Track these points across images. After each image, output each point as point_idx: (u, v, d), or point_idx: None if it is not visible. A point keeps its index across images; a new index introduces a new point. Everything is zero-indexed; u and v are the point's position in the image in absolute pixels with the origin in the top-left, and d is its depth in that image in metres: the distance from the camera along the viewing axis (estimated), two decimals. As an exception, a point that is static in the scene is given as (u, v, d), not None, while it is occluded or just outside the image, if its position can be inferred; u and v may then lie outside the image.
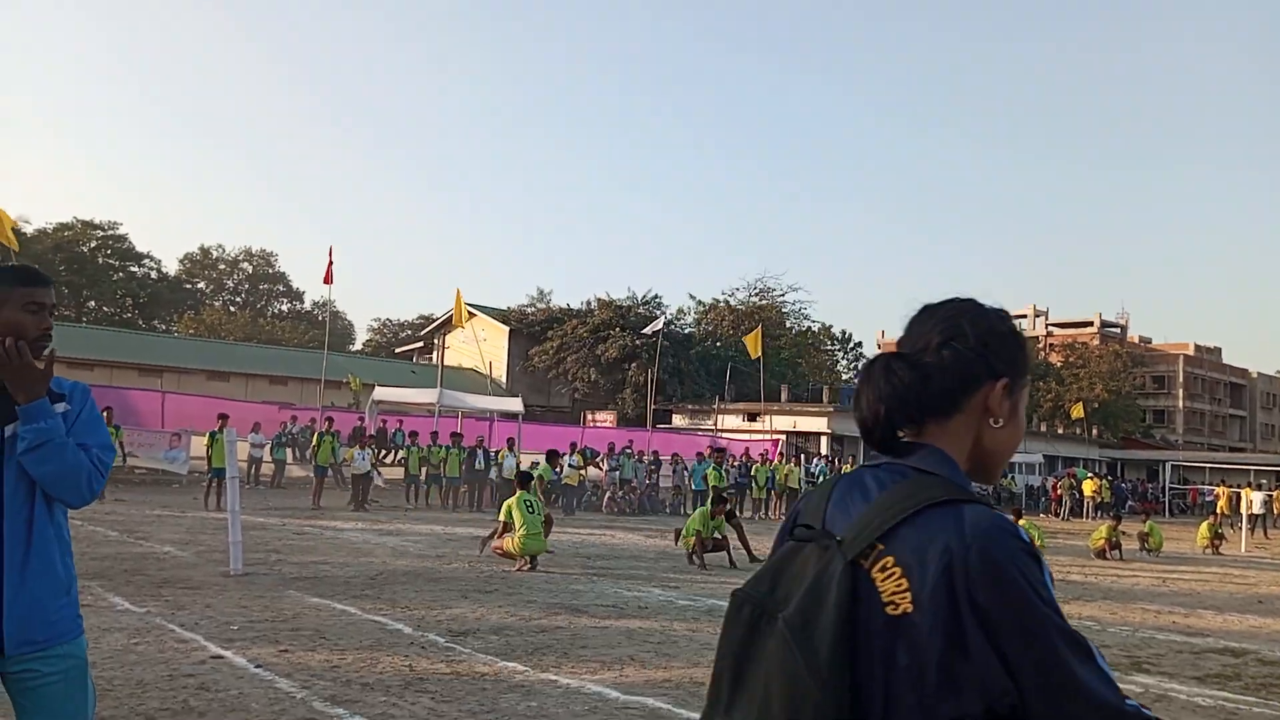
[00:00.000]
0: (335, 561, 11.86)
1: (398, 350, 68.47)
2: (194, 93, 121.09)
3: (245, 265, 80.00)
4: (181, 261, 77.68)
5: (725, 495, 15.89)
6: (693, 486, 25.56)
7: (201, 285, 78.62)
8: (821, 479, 29.49)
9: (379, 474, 21.12)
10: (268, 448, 24.53)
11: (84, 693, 2.56)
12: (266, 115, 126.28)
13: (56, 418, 2.49)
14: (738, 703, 1.31)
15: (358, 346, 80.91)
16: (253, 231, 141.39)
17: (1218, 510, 31.91)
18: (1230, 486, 38.06)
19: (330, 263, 26.50)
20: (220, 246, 79.41)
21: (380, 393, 26.43)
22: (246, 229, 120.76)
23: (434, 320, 59.34)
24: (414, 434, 23.43)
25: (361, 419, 26.09)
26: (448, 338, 46.81)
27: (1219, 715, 6.28)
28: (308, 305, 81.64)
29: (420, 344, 62.46)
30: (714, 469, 24.76)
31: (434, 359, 51.65)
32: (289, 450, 25.09)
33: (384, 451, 25.96)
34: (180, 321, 68.85)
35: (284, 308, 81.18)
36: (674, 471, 26.57)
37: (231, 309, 74.45)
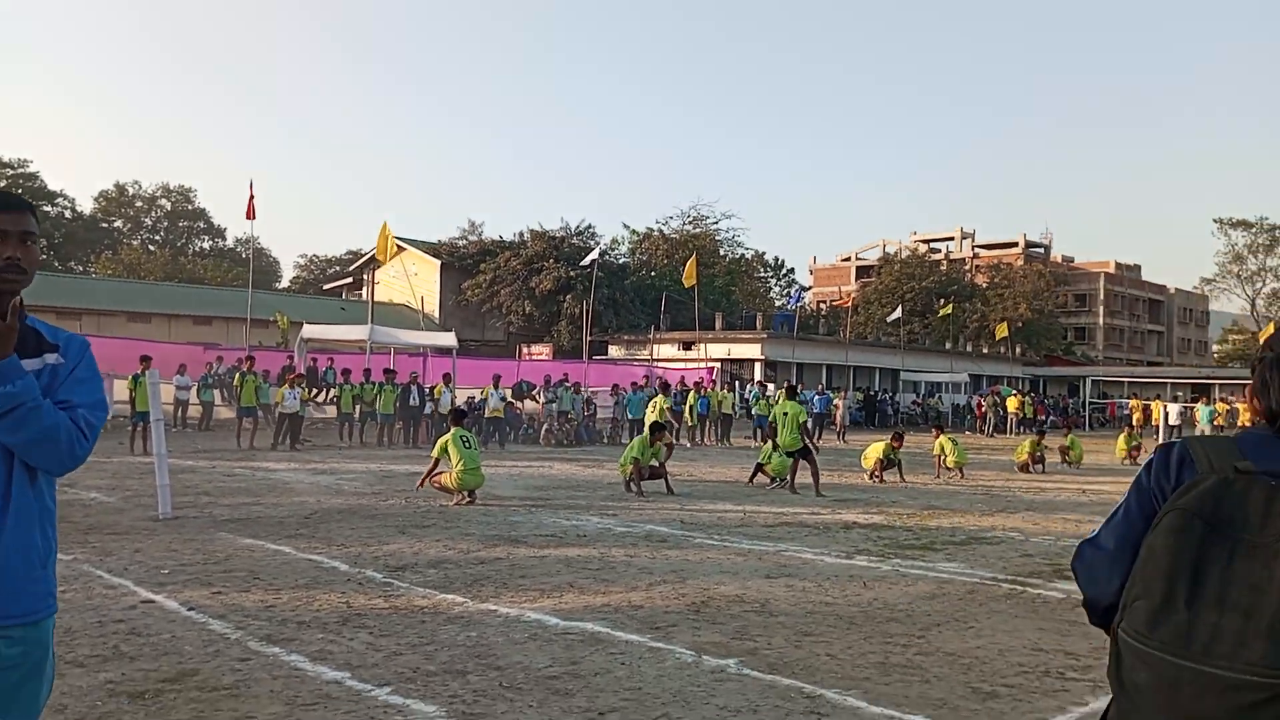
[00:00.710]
0: (268, 502, 11.70)
1: (326, 287, 67.14)
2: (99, 22, 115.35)
3: (163, 202, 77.34)
4: (96, 200, 74.87)
5: (665, 424, 15.95)
6: (628, 416, 25.68)
7: (118, 224, 75.92)
8: (756, 404, 29.86)
9: (309, 412, 20.74)
10: (194, 389, 24.00)
11: (39, 684, 2.24)
12: (179, 43, 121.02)
13: (27, 377, 2.14)
14: (1200, 605, 1.52)
15: (284, 284, 79.21)
16: (170, 167, 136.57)
17: (1134, 423, 33.22)
18: (1144, 400, 39.53)
19: (251, 197, 25.64)
20: (137, 183, 76.60)
21: (309, 330, 25.88)
22: (164, 164, 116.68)
23: (363, 255, 58.21)
24: (346, 372, 23.10)
25: (290, 358, 25.58)
26: (378, 273, 45.94)
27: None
28: (230, 242, 79.54)
29: (349, 280, 61.32)
30: (663, 397, 24.88)
31: (364, 295, 50.77)
32: (216, 392, 24.58)
33: (315, 391, 25.55)
34: (98, 262, 66.54)
35: (205, 245, 78.95)
36: (615, 403, 26.60)
37: (151, 248, 72.12)
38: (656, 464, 13.79)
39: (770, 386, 33.59)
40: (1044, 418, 41.01)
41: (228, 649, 5.30)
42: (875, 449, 16.73)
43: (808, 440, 14.25)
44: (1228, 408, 38.30)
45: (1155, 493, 1.72)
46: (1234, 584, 1.51)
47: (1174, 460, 1.73)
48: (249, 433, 20.11)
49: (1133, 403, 38.09)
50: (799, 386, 18.09)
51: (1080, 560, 1.80)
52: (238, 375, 20.83)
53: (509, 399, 24.68)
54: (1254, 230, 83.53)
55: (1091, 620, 1.80)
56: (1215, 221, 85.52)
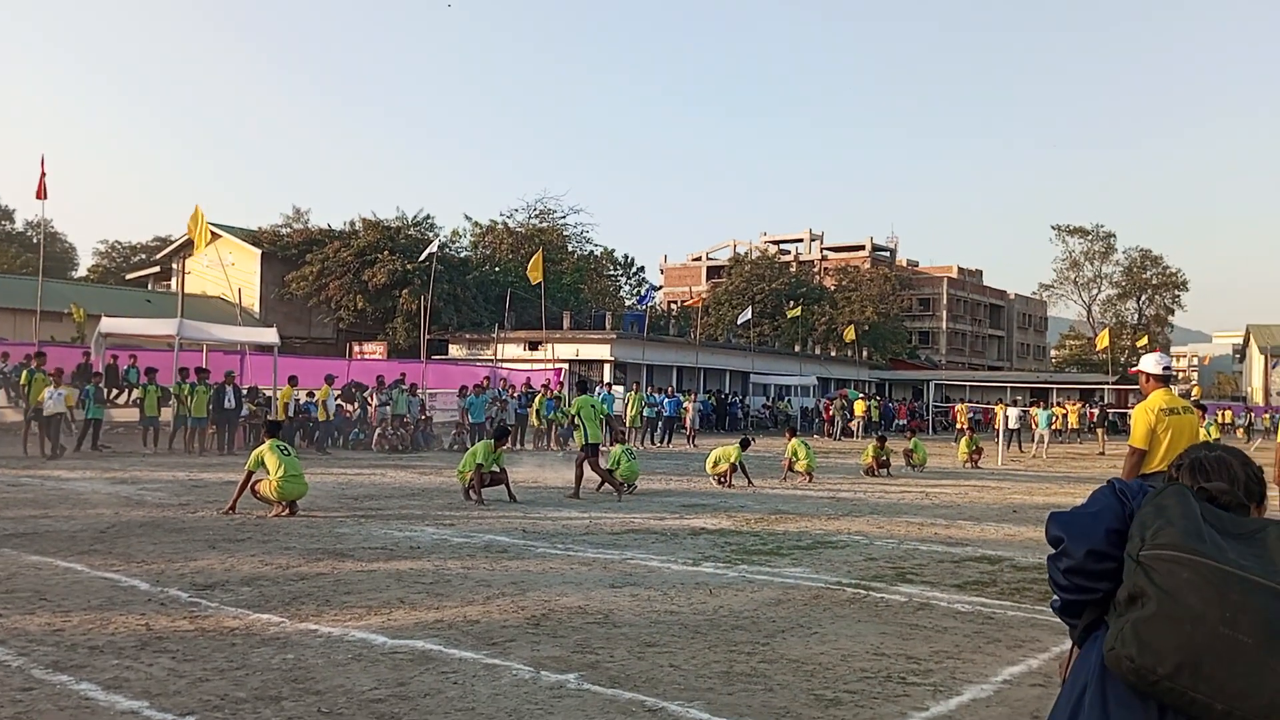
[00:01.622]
0: (58, 515, 10.99)
1: (129, 277, 63.61)
2: None
3: (-63, 178, 71.63)
4: None
5: (509, 428, 15.84)
6: (470, 419, 25.40)
7: (-117, 202, 69.78)
8: (604, 406, 29.99)
9: (73, 416, 19.43)
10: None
11: None
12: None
13: None
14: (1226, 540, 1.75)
15: (82, 273, 74.59)
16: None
17: (959, 426, 35.34)
18: (968, 404, 42.06)
19: (43, 174, 24.02)
20: (-96, 156, 70.61)
21: (108, 324, 24.42)
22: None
23: (172, 242, 55.45)
24: (151, 370, 21.92)
25: (86, 354, 24.11)
26: (189, 262, 43.79)
27: (977, 620, 6.90)
28: (19, 225, 74.38)
29: (157, 269, 58.27)
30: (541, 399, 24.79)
31: (173, 286, 48.33)
32: (1, 391, 22.93)
33: (115, 391, 24.16)
34: None
35: (-11, 229, 73.52)
36: (464, 406, 26.14)
37: (-78, 229, 66.66)
38: (499, 469, 13.66)
39: (619, 389, 33.83)
40: (904, 420, 42.84)
41: (7, 678, 4.94)
42: (724, 452, 17.08)
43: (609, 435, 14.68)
44: (1063, 411, 40.97)
45: (1123, 492, 1.95)
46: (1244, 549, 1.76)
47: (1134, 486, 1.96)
48: (37, 438, 18.85)
49: (958, 407, 40.53)
50: (588, 381, 18.75)
51: (1057, 521, 1.97)
52: (25, 373, 19.45)
53: (339, 401, 24.01)
54: (1090, 237, 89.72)
55: (1059, 573, 1.93)
56: (1053, 228, 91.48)
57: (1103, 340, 55.13)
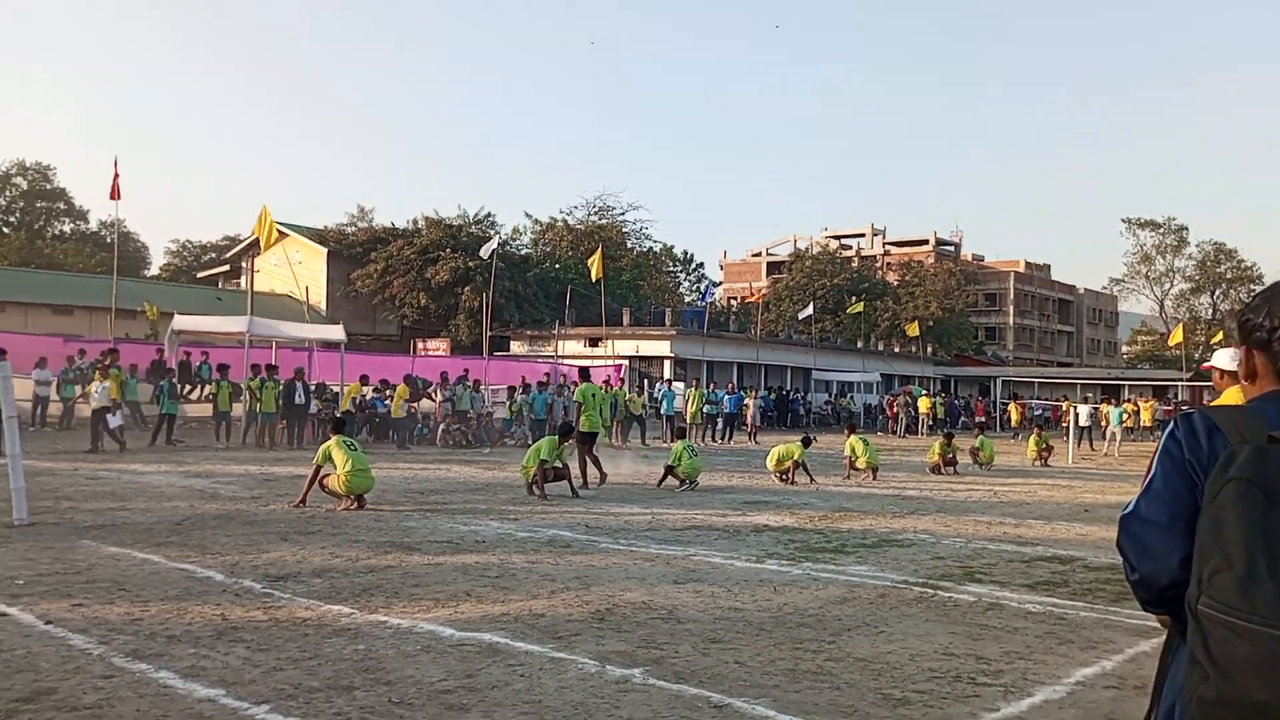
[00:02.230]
0: (135, 507, 11.30)
1: (200, 275, 65.18)
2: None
3: (18, 181, 73.76)
4: (-59, 177, 71.09)
5: (572, 425, 15.95)
6: (533, 416, 25.55)
7: (-35, 203, 72.23)
8: (665, 402, 30.00)
9: (115, 413, 19.57)
10: (54, 385, 23.01)
11: None
12: (32, 12, 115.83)
13: None
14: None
15: (154, 271, 76.54)
16: (24, 142, 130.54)
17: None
18: (1036, 401, 41.30)
19: (116, 175, 24.70)
20: (-13, 159, 72.95)
21: (181, 322, 25.07)
22: (17, 140, 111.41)
23: (241, 241, 56.61)
24: (223, 367, 22.43)
25: (160, 351, 24.74)
26: (258, 261, 44.70)
27: (1049, 620, 6.78)
28: (93, 226, 76.47)
29: (226, 268, 59.60)
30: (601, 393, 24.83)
31: (243, 284, 49.34)
32: (77, 387, 23.61)
33: (188, 387, 24.78)
34: (-57, 245, 63.27)
35: (66, 228, 75.71)
36: (527, 402, 26.28)
37: (4, 230, 68.83)
38: (561, 465, 13.74)
39: (680, 385, 33.81)
40: (981, 418, 42.07)
41: (89, 665, 5.09)
42: (786, 450, 16.99)
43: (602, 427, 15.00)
44: (1135, 408, 40.03)
45: (1192, 464, 1.74)
46: None
47: (1200, 429, 1.75)
48: (117, 431, 19.37)
49: (1065, 404, 39.65)
50: (588, 369, 19.11)
51: (1127, 535, 1.80)
52: (100, 371, 19.98)
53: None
54: (1162, 230, 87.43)
55: (1143, 599, 1.78)
56: (1124, 221, 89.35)
57: (1176, 336, 53.75)
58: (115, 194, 24.87)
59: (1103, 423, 32.09)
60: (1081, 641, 6.17)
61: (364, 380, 23.83)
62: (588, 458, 15.08)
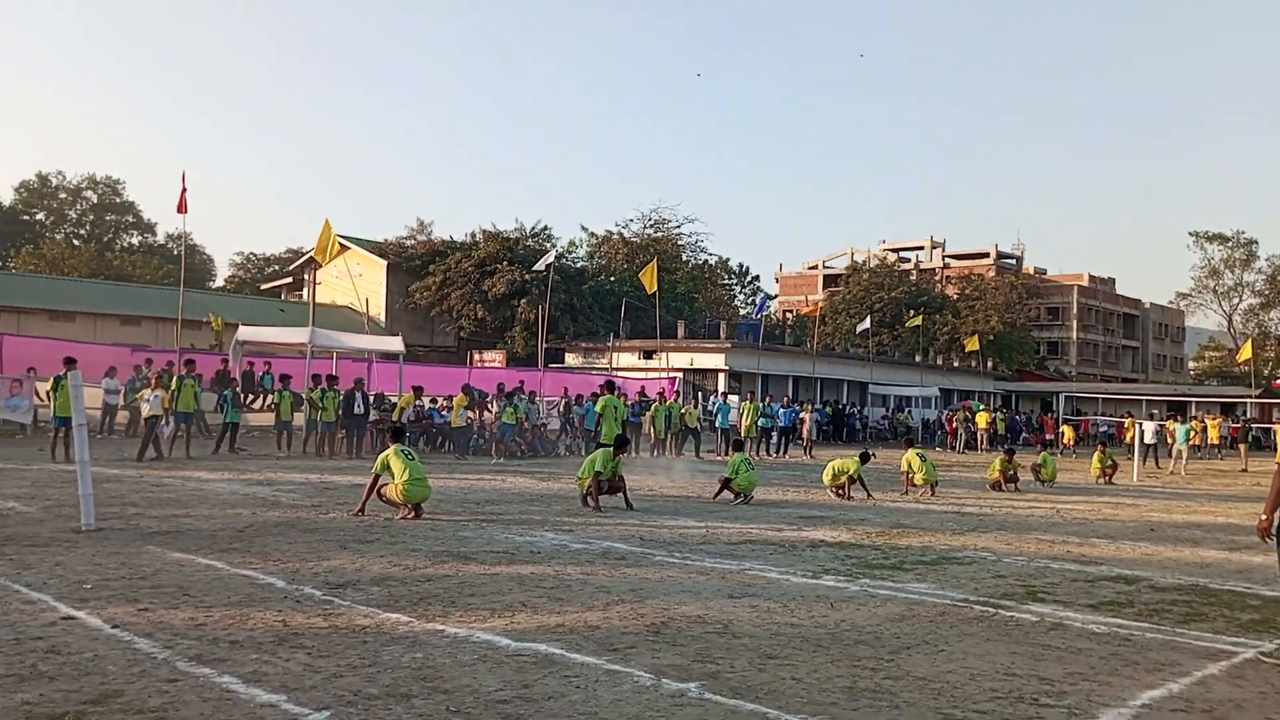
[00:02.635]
0: (199, 514, 11.52)
1: (264, 287, 66.43)
2: (21, 2, 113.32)
3: (89, 194, 76.07)
4: (17, 191, 73.66)
5: (628, 438, 15.97)
6: (586, 426, 25.62)
7: (40, 216, 74.62)
8: (720, 415, 29.94)
9: (168, 422, 19.75)
10: (123, 393, 23.57)
11: None
12: (106, 22, 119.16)
13: None
14: None
15: (219, 283, 78.23)
16: (96, 157, 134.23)
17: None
18: (1119, 418, 40.31)
19: (184, 189, 25.28)
20: (60, 174, 75.49)
21: (245, 332, 25.60)
22: (89, 154, 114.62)
23: (303, 254, 57.61)
24: (285, 377, 22.83)
25: (225, 361, 25.25)
26: (319, 273, 45.45)
27: (1113, 641, 6.63)
28: (160, 238, 78.50)
29: (289, 280, 60.69)
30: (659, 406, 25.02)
31: (304, 296, 50.21)
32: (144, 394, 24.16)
33: (251, 396, 25.26)
34: (18, 257, 65.31)
35: (134, 241, 77.81)
36: (580, 413, 26.41)
37: (75, 242, 70.86)
38: (616, 477, 13.77)
39: (734, 398, 33.70)
40: (1050, 436, 41.10)
41: (154, 669, 5.20)
42: (842, 465, 16.84)
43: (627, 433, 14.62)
44: (1202, 426, 39.08)
45: None
46: None
47: None
48: (182, 440, 19.79)
49: (1128, 421, 38.75)
50: (615, 381, 18.93)
51: None
52: (175, 379, 20.42)
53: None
54: (1230, 244, 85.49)
55: None
56: (1191, 235, 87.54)
57: (1245, 352, 52.38)
58: (183, 207, 25.44)
59: (1169, 440, 31.37)
60: (1147, 664, 6.03)
61: (418, 392, 24.05)
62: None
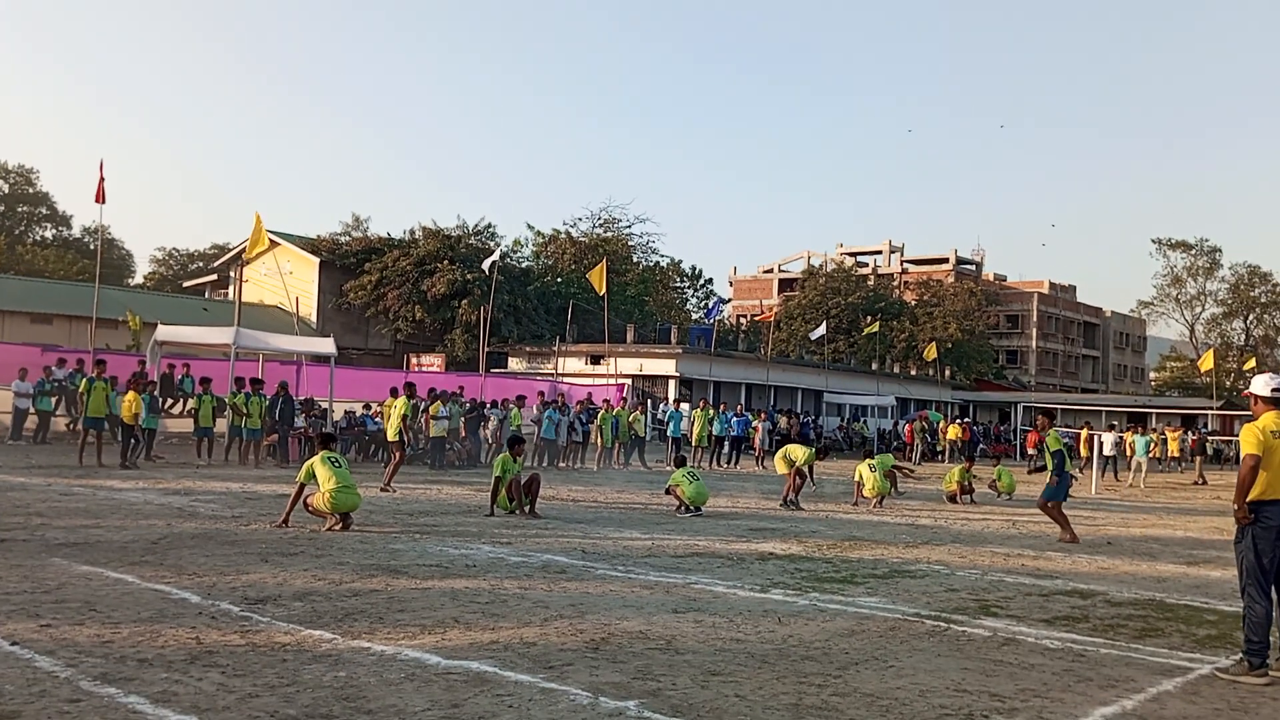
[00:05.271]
0: (110, 525, 11.28)
1: (186, 285, 65.37)
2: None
3: (-1, 183, 74.28)
4: (-84, 178, 71.54)
5: (521, 436, 16.34)
6: (540, 435, 25.52)
7: (-57, 207, 72.63)
8: (671, 424, 29.97)
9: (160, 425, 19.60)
10: (32, 396, 23.03)
11: None
12: (16, 10, 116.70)
13: None
14: None
15: (138, 280, 76.83)
16: (6, 144, 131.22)
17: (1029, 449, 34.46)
18: (1077, 429, 41.00)
19: (101, 178, 24.78)
20: (-35, 161, 73.28)
21: (165, 332, 25.07)
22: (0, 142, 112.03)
23: (230, 250, 56.82)
24: (205, 380, 22.44)
25: (142, 362, 24.77)
26: (247, 270, 44.85)
27: (1067, 657, 6.73)
28: (76, 231, 76.94)
29: (214, 277, 59.75)
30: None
31: (230, 295, 49.47)
32: (54, 399, 23.64)
33: (169, 401, 24.78)
34: (-82, 250, 63.52)
35: (47, 234, 76.16)
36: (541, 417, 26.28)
37: (-18, 235, 69.14)
38: (531, 479, 14.15)
39: (685, 405, 33.79)
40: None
41: (55, 689, 5.07)
42: (796, 451, 17.43)
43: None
44: (1163, 437, 39.88)
45: None
46: None
47: None
48: (93, 447, 19.37)
49: (1082, 431, 39.44)
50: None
51: None
52: (84, 381, 19.97)
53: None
54: (1194, 252, 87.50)
55: None
56: (1154, 242, 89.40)
57: (1206, 362, 53.63)
58: (100, 197, 24.95)
59: (1128, 452, 31.97)
60: (1101, 680, 6.13)
61: (411, 391, 23.17)
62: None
